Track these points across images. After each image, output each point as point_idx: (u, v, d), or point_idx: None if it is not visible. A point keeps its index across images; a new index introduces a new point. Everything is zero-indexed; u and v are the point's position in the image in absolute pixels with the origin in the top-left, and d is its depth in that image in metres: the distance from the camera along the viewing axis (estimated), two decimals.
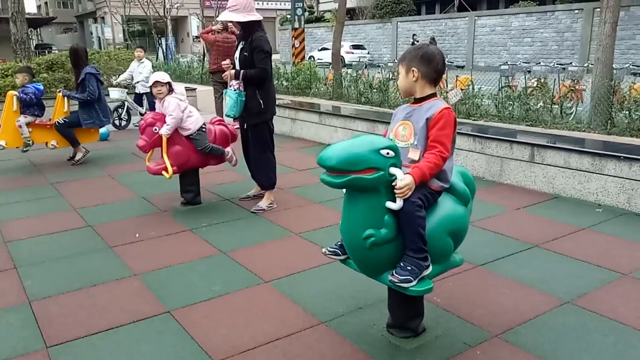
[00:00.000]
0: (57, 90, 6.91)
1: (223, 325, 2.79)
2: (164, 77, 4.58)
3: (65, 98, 6.57)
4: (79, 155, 6.70)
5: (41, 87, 6.69)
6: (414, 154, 2.35)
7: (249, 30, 4.38)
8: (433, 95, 2.45)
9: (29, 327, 2.81)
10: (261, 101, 4.45)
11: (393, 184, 2.21)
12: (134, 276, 3.42)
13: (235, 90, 4.41)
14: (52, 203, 5.07)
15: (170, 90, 4.62)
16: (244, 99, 4.42)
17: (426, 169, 2.27)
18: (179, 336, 2.70)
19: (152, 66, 12.57)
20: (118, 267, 3.55)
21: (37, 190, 5.52)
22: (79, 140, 6.70)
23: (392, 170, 2.20)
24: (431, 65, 2.40)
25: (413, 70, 2.40)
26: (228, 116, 4.57)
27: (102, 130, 8.11)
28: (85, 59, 6.59)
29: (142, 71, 9.06)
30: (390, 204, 2.24)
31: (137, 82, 9.12)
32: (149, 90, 8.91)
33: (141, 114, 9.05)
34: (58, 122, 6.45)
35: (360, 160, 2.15)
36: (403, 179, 2.20)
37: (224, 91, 4.52)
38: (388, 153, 2.20)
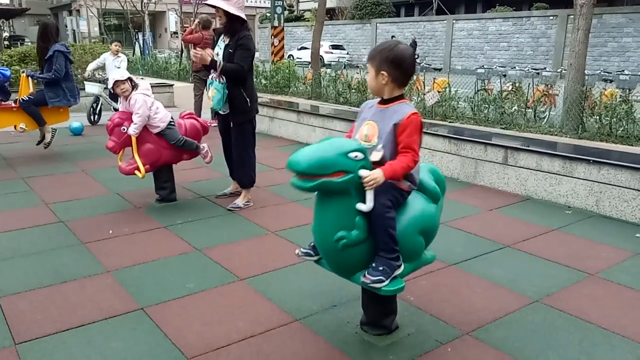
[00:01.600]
0: (22, 71, 6.66)
1: (197, 322, 2.78)
2: (122, 74, 4.51)
3: (30, 78, 6.34)
4: (48, 137, 6.50)
5: (8, 73, 6.50)
6: (375, 156, 2.31)
7: (236, 27, 4.34)
8: (400, 97, 2.43)
9: None
10: (247, 99, 4.43)
11: (362, 181, 2.20)
12: (106, 273, 3.37)
13: (219, 82, 4.34)
14: (23, 198, 4.96)
15: (134, 86, 4.54)
16: (228, 92, 4.37)
17: (398, 168, 2.27)
18: (152, 333, 2.68)
19: (128, 61, 12.42)
20: (90, 264, 3.50)
21: (7, 185, 5.39)
22: (49, 123, 6.49)
23: (362, 172, 2.21)
24: (401, 69, 2.36)
25: (382, 74, 2.36)
26: (216, 110, 4.46)
27: (76, 124, 7.95)
28: (55, 35, 6.30)
29: (118, 65, 8.77)
30: (360, 206, 2.25)
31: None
32: None
33: (115, 110, 8.84)
34: (22, 99, 6.19)
35: (329, 164, 2.15)
36: (372, 173, 2.21)
37: (209, 81, 4.39)
38: (357, 156, 2.20)
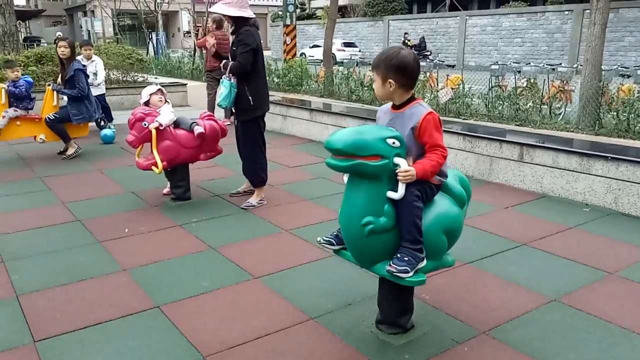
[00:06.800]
0: (47, 83, 6.80)
1: (212, 321, 2.79)
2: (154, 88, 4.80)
3: (55, 92, 6.49)
4: (70, 151, 6.62)
5: (31, 80, 6.67)
6: (407, 162, 2.35)
7: (238, 25, 4.39)
8: (412, 99, 2.45)
9: (16, 321, 2.79)
10: (250, 97, 4.44)
11: (396, 172, 2.25)
12: (123, 271, 3.40)
13: (229, 80, 4.40)
14: (40, 197, 5.02)
15: (167, 100, 4.79)
16: (236, 90, 4.41)
17: (429, 167, 2.32)
18: (168, 331, 2.70)
19: (141, 60, 12.46)
20: (107, 262, 3.54)
21: (25, 184, 5.46)
22: (70, 136, 6.66)
23: (397, 160, 2.25)
24: (406, 74, 2.38)
25: (390, 82, 2.38)
26: (220, 106, 4.53)
27: (108, 132, 7.67)
28: (75, 54, 6.58)
29: (93, 71, 7.97)
30: (391, 194, 2.28)
31: (98, 84, 8.01)
32: (103, 92, 8.17)
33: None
34: (48, 117, 6.38)
35: (367, 146, 2.20)
36: (409, 167, 2.26)
37: (221, 80, 4.47)
38: (394, 143, 2.25)
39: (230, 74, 4.37)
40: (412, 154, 2.37)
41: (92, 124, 8.40)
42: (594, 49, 7.58)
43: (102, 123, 8.48)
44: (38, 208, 4.69)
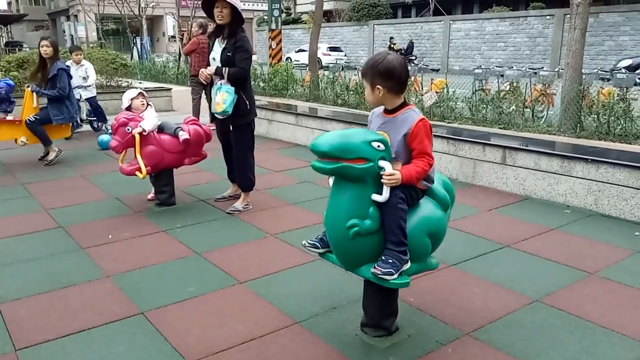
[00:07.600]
0: (27, 85, 6.69)
1: (197, 326, 2.78)
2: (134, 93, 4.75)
3: (35, 94, 6.36)
4: (51, 155, 6.54)
5: (12, 83, 6.56)
6: (396, 167, 2.38)
7: (233, 29, 4.36)
8: (404, 104, 2.47)
9: None
10: (247, 102, 4.45)
11: (382, 175, 2.27)
12: (106, 277, 3.37)
13: (227, 86, 4.33)
14: (22, 204, 4.95)
15: (149, 104, 4.76)
16: (236, 95, 4.38)
17: (414, 172, 2.34)
18: (152, 337, 2.68)
19: (126, 65, 12.39)
20: (90, 269, 3.50)
21: (6, 191, 5.38)
22: (51, 139, 6.55)
23: (381, 163, 2.27)
24: (394, 79, 2.39)
25: (378, 88, 2.41)
26: (226, 113, 4.35)
27: (106, 137, 7.60)
28: (58, 54, 6.48)
29: (84, 75, 8.10)
30: (376, 197, 2.30)
31: (88, 86, 8.20)
32: (94, 94, 8.26)
33: (81, 120, 8.35)
34: (29, 119, 6.27)
35: (352, 149, 2.22)
36: (394, 171, 2.28)
37: (219, 85, 4.35)
38: (379, 146, 2.27)
39: (228, 80, 4.32)
40: (402, 160, 2.40)
41: (88, 127, 8.41)
42: (575, 53, 7.70)
43: (97, 125, 8.42)
44: (20, 215, 4.63)
